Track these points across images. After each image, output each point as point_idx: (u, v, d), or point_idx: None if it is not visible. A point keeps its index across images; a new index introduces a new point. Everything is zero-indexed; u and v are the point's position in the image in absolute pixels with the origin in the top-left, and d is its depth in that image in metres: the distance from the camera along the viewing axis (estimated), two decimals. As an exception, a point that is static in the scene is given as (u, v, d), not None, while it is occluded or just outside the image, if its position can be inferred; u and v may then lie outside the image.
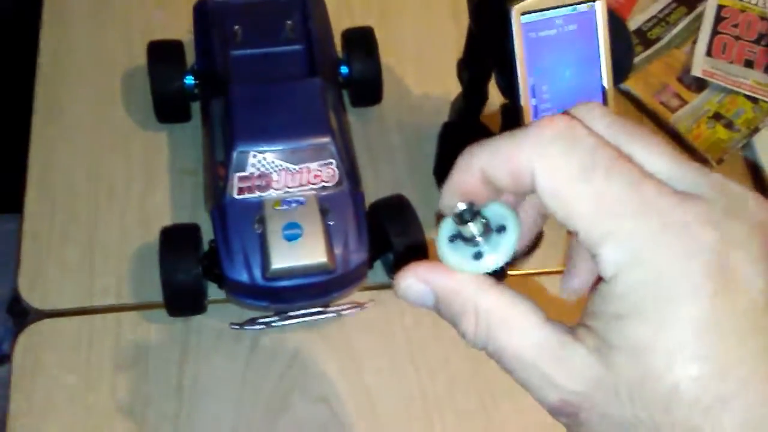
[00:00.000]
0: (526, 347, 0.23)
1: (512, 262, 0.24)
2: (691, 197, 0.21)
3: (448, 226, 0.24)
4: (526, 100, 0.42)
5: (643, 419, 0.21)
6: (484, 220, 0.24)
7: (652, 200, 0.21)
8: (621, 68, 0.44)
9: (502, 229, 0.24)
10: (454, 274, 0.24)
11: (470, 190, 0.24)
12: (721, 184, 0.22)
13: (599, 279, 0.22)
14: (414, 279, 0.24)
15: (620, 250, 0.21)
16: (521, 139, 0.22)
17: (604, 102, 0.43)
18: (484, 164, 0.23)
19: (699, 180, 0.22)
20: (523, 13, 0.40)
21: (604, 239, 0.21)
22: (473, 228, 0.23)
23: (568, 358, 0.22)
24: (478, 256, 0.24)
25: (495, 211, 0.24)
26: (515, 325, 0.23)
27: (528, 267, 0.54)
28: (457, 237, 0.24)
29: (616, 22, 0.43)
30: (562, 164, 0.22)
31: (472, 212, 0.23)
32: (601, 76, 0.43)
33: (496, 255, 0.23)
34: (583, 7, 0.41)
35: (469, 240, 0.24)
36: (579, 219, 0.21)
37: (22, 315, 0.51)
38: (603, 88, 0.43)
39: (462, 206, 0.23)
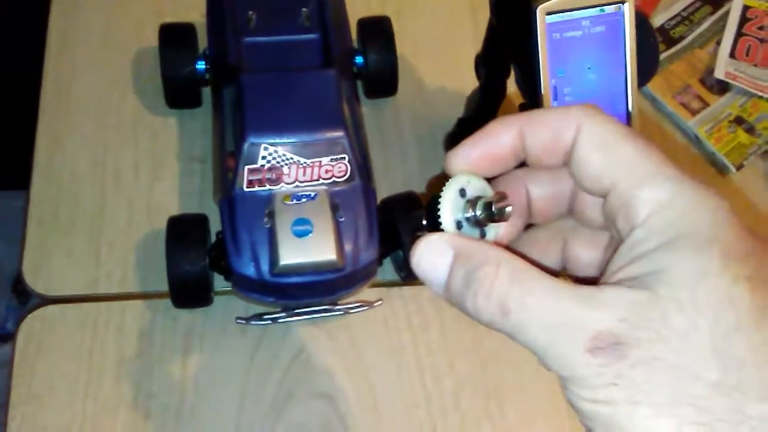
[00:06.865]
0: (554, 289, 0.22)
1: None
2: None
3: (454, 190, 0.26)
4: (547, 102, 0.40)
5: (705, 313, 0.21)
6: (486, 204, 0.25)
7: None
8: (646, 71, 0.42)
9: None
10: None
11: (496, 151, 0.26)
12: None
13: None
14: (437, 237, 0.25)
15: (661, 190, 0.23)
16: (563, 108, 0.25)
17: (627, 105, 0.42)
18: (524, 124, 0.26)
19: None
20: (548, 13, 0.39)
21: (647, 180, 0.23)
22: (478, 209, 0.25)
23: (600, 293, 0.22)
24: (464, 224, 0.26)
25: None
26: (538, 279, 0.23)
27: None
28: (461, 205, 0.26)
29: (643, 24, 0.41)
30: (610, 123, 0.24)
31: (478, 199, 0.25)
32: (626, 79, 0.41)
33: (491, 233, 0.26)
34: (610, 9, 0.39)
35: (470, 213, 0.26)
36: (622, 166, 0.24)
37: (24, 295, 0.51)
38: (627, 91, 0.42)
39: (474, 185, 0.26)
